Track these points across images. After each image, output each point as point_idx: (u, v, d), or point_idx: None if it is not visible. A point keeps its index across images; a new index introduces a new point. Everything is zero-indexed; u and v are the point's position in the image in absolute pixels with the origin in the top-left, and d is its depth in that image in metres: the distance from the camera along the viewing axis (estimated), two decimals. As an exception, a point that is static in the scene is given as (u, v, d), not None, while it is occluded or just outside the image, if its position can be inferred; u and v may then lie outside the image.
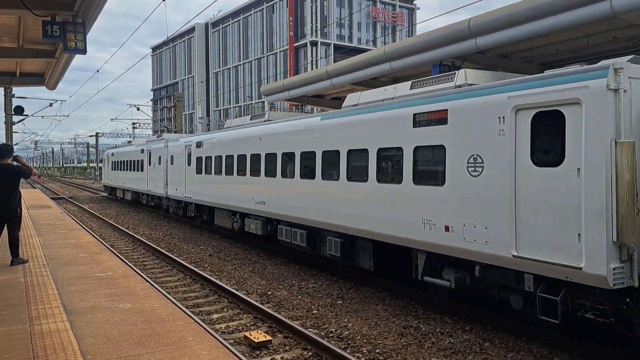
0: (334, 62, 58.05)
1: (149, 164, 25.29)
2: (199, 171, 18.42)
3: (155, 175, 24.22)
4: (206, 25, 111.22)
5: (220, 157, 16.52)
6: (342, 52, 73.07)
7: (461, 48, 13.88)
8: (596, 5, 10.62)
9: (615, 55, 13.02)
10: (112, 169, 35.14)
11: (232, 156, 15.64)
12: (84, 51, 10.94)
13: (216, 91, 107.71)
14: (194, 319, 6.45)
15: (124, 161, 31.28)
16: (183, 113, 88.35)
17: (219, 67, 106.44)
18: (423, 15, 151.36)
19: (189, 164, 19.44)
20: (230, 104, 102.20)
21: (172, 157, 21.72)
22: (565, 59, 14.89)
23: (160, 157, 23.40)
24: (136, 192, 28.95)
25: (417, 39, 15.39)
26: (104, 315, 6.55)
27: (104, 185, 40.07)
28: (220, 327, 8.28)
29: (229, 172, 15.79)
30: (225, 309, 9.42)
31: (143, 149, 26.61)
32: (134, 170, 28.46)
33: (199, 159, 18.52)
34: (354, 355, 6.93)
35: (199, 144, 18.64)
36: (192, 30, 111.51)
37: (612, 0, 10.27)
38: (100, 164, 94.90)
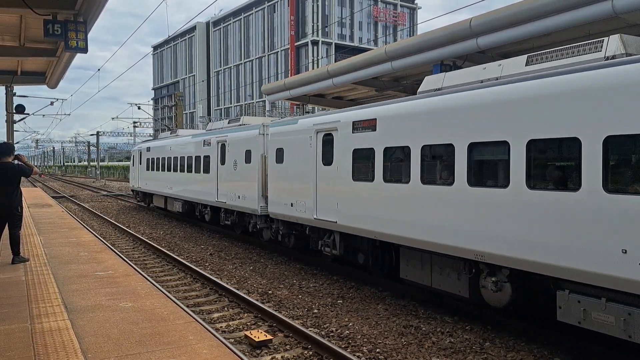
0: (335, 61, 58.12)
1: (221, 162, 17.00)
2: (360, 176, 10.13)
3: (236, 180, 15.93)
4: (207, 24, 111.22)
5: (448, 147, 8.19)
6: (343, 51, 73.09)
7: (462, 48, 13.88)
8: (598, 5, 10.61)
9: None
10: (147, 169, 26.12)
11: (503, 145, 7.33)
12: (85, 50, 10.96)
13: (217, 90, 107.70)
14: (194, 318, 6.45)
15: (170, 158, 22.43)
16: (184, 112, 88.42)
17: (220, 66, 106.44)
18: (424, 14, 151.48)
19: (328, 163, 11.19)
20: (231, 103, 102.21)
21: (279, 150, 13.33)
22: (566, 58, 14.87)
23: (249, 152, 15.16)
24: (192, 202, 20.37)
25: (418, 38, 15.39)
26: (104, 313, 6.56)
27: (132, 190, 30.57)
28: (221, 326, 8.29)
29: (483, 180, 7.68)
30: (225, 308, 9.43)
31: (209, 140, 18.21)
32: (190, 170, 19.89)
33: (362, 154, 10.10)
34: (354, 355, 6.93)
35: (360, 126, 10.15)
36: (193, 29, 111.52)
37: (614, 1, 10.26)
38: (102, 163, 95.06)
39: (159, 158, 24.20)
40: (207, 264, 13.45)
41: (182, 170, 20.83)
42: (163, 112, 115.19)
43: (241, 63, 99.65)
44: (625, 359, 6.76)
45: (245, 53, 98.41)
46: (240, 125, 16.83)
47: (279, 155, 13.38)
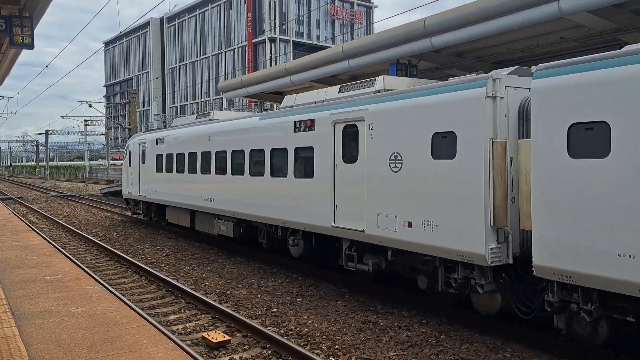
0: (293, 59, 58.01)
1: (346, 158, 9.71)
2: None
3: (398, 192, 8.43)
4: (161, 19, 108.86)
5: None
6: (301, 49, 73.01)
7: (417, 47, 14.11)
8: (545, 6, 11.00)
9: (563, 56, 13.53)
10: (158, 169, 18.37)
11: None
12: (31, 46, 10.58)
13: (172, 87, 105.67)
14: (149, 321, 6.32)
15: (208, 153, 14.80)
16: (138, 110, 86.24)
17: (175, 63, 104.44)
18: (381, 13, 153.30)
19: None
20: (187, 101, 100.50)
21: (585, 129, 5.95)
22: (516, 58, 15.36)
23: (443, 136, 7.79)
24: (253, 223, 13.05)
25: (375, 37, 15.55)
26: (54, 319, 6.32)
27: (126, 200, 22.60)
28: (177, 329, 8.14)
29: None
30: (182, 310, 9.26)
31: (310, 121, 10.67)
32: (257, 173, 12.44)
33: None
34: (313, 352, 6.94)
35: None
36: (146, 24, 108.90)
37: (560, 2, 10.66)
38: (52, 163, 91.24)
39: (182, 154, 16.51)
40: (163, 265, 13.18)
41: (236, 172, 13.34)
42: (116, 109, 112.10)
43: (197, 60, 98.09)
44: (578, 349, 7.04)
45: (202, 49, 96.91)
46: (379, 92, 9.46)
47: (586, 138, 5.94)
